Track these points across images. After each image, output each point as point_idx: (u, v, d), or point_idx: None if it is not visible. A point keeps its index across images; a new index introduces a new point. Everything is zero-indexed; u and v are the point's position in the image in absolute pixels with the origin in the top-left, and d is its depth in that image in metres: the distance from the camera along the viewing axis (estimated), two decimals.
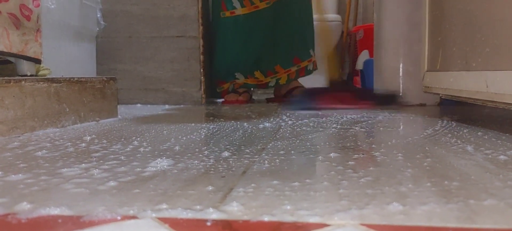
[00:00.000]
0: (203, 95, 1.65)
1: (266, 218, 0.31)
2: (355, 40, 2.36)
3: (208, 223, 0.31)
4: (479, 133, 0.74)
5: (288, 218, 0.31)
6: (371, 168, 0.48)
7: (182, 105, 1.58)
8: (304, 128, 0.84)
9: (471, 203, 0.35)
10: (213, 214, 0.32)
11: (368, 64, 1.65)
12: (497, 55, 0.73)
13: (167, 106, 1.56)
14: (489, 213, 0.33)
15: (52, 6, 1.22)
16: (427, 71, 1.06)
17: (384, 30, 1.47)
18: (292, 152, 0.58)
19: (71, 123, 0.93)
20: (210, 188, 0.40)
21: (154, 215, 0.32)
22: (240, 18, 1.66)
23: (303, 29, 1.78)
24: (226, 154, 0.57)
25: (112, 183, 0.42)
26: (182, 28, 1.63)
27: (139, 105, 1.62)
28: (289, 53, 1.75)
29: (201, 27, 1.63)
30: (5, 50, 0.86)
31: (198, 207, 0.34)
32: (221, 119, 1.02)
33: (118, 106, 1.16)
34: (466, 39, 0.84)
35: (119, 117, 1.12)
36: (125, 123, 0.97)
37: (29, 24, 0.93)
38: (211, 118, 1.07)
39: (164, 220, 0.31)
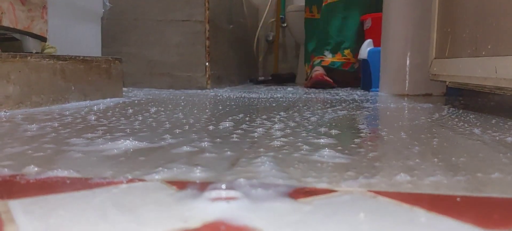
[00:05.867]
0: (208, 80, 1.65)
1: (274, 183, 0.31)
2: (363, 30, 2.34)
3: (216, 186, 0.31)
4: (486, 118, 0.73)
5: (295, 184, 0.31)
6: (378, 145, 0.48)
7: (187, 90, 1.58)
8: (306, 113, 0.84)
9: (479, 176, 0.35)
10: (220, 178, 0.32)
11: (374, 53, 1.64)
12: (509, 40, 0.73)
13: (172, 90, 1.56)
14: (497, 185, 0.32)
15: None
16: (435, 58, 1.06)
17: (392, 21, 1.46)
18: (299, 129, 0.58)
19: (76, 100, 0.93)
20: (218, 157, 0.40)
21: (161, 178, 0.32)
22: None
23: None
24: (232, 129, 0.57)
25: (118, 152, 0.42)
26: (188, 11, 1.63)
27: (144, 88, 1.62)
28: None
29: (207, 12, 1.62)
30: (10, 26, 0.86)
31: (205, 173, 0.34)
32: (224, 103, 1.02)
33: (123, 89, 1.16)
34: (477, 24, 0.83)
35: (124, 97, 1.12)
36: (130, 103, 0.97)
37: (35, 0, 0.92)
38: (215, 101, 1.07)
39: (171, 183, 0.31)
